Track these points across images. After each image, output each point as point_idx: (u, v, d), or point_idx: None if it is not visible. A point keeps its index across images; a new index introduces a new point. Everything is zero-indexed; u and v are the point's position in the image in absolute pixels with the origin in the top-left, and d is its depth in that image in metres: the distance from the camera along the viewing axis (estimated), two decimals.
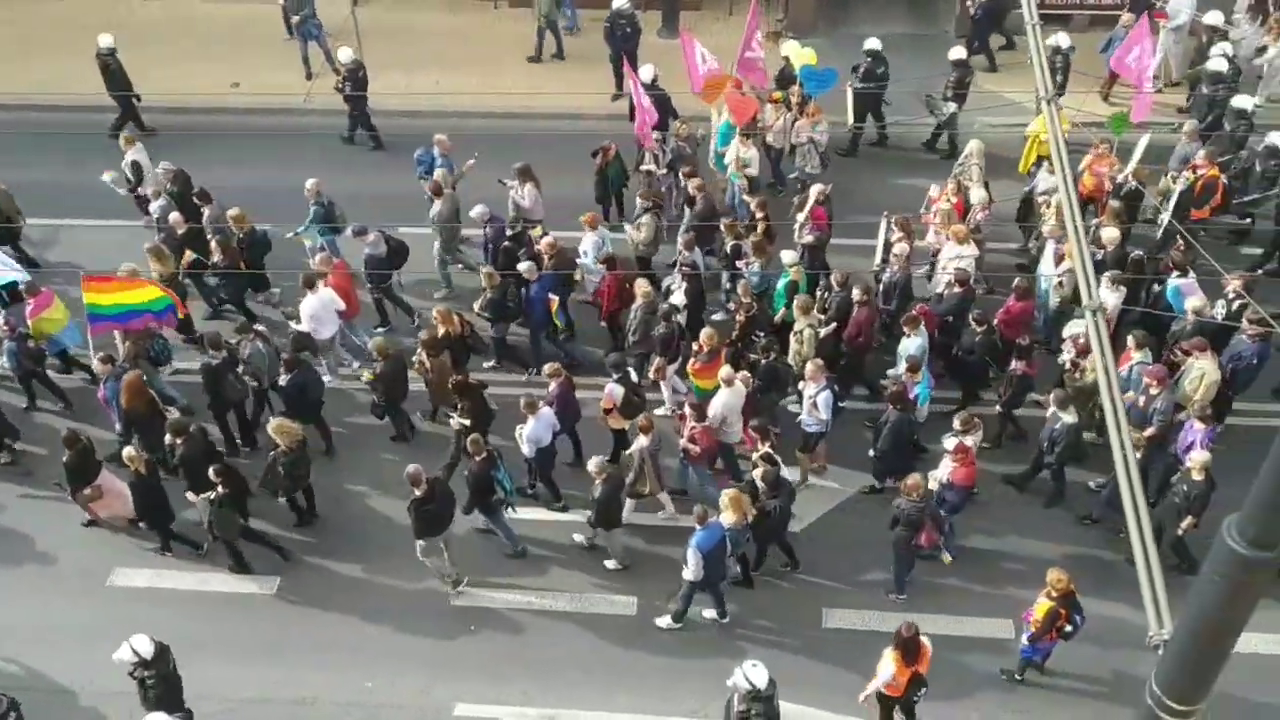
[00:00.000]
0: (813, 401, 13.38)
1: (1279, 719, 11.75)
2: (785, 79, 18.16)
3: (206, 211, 15.95)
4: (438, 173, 16.39)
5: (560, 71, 20.55)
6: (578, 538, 13.60)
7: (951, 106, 18.05)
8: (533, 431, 13.19)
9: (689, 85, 17.36)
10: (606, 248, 15.58)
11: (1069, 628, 11.32)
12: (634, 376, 13.98)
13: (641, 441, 13.01)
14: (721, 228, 15.76)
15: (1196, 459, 12.13)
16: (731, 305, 15.47)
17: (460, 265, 16.68)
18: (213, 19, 22.49)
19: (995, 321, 14.33)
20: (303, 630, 12.97)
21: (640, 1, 20.98)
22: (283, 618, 13.10)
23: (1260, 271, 15.85)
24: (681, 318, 14.78)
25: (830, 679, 12.04)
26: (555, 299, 15.04)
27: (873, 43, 18.15)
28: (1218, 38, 18.51)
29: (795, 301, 14.22)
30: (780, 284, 14.79)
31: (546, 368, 13.87)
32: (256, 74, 20.36)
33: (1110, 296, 13.91)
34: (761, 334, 14.42)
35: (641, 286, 14.67)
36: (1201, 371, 13.19)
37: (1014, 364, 13.82)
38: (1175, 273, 14.48)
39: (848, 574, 13.26)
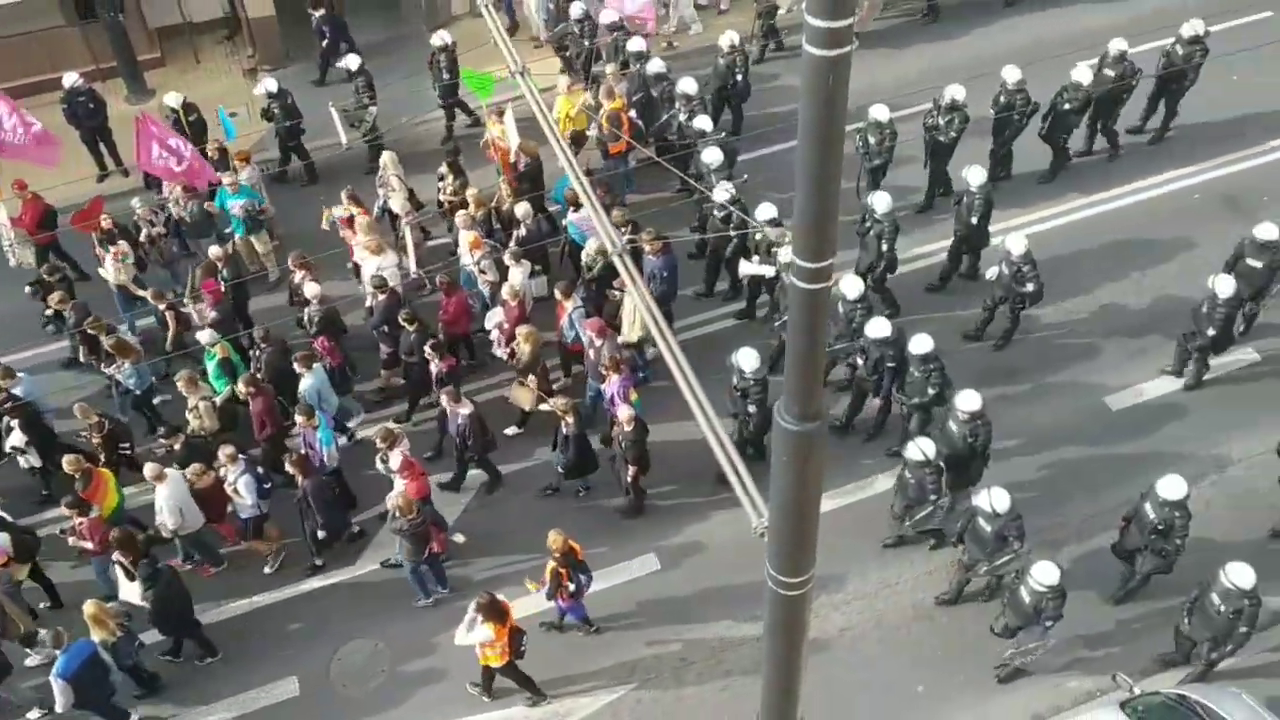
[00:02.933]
0: (234, 487, 12.67)
1: (846, 563, 13.08)
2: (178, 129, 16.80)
3: None
4: None
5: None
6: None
7: (373, 110, 17.51)
8: None
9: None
10: None
11: (572, 586, 11.70)
12: (7, 517, 12.73)
13: None
14: (87, 330, 14.24)
15: (622, 414, 12.66)
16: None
17: None
18: None
19: (440, 322, 14.41)
20: None
21: (95, 74, 19.47)
22: None
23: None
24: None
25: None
26: None
27: (269, 84, 17.39)
28: None
29: (179, 379, 13.52)
30: (210, 365, 13.95)
31: None
32: None
33: (518, 274, 14.41)
34: (128, 446, 13.59)
35: None
36: (633, 301, 13.75)
37: (435, 367, 13.74)
38: (571, 209, 15.12)
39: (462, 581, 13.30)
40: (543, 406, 13.39)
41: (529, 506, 13.86)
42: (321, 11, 19.44)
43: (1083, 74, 16.30)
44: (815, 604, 12.52)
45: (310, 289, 14.37)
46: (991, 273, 14.75)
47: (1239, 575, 10.88)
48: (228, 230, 16.39)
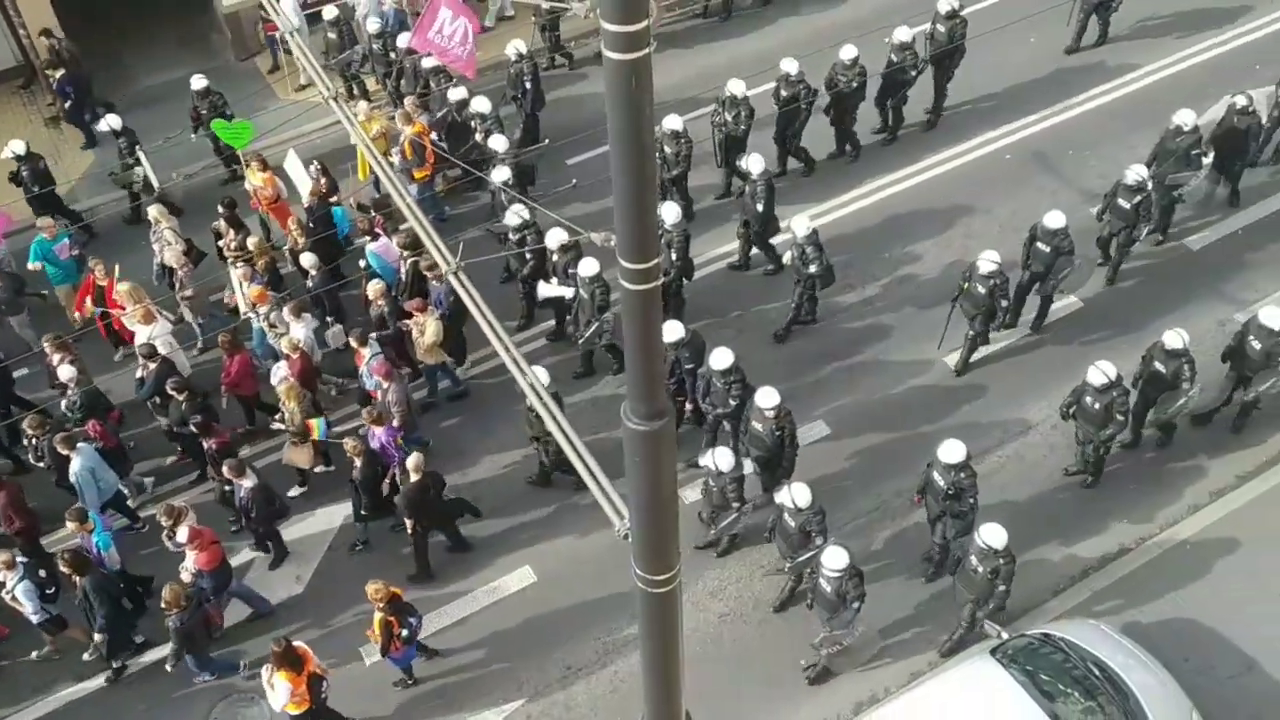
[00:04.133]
0: (12, 595, 11.94)
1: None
2: None
3: None
4: None
5: None
6: None
7: (139, 171, 16.49)
8: None
9: None
10: None
11: (404, 631, 11.44)
12: None
13: None
14: None
15: (411, 462, 12.29)
16: None
17: None
18: None
19: (223, 386, 14.02)
20: None
21: None
22: None
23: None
24: None
25: None
26: None
27: (16, 146, 16.22)
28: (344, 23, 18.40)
29: None
30: None
31: None
32: None
33: (298, 328, 13.88)
34: None
35: None
36: (422, 327, 13.80)
37: (206, 444, 13.09)
38: (368, 238, 14.89)
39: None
40: (347, 445, 12.66)
41: (378, 557, 13.39)
42: (62, 72, 18.42)
43: (849, 52, 16.65)
44: (693, 594, 12.73)
45: (64, 372, 13.43)
46: (786, 257, 15.02)
47: (991, 536, 11.14)
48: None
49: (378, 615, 11.34)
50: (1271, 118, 16.51)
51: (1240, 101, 15.65)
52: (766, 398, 12.54)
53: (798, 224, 14.61)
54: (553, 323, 15.56)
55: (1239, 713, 11.64)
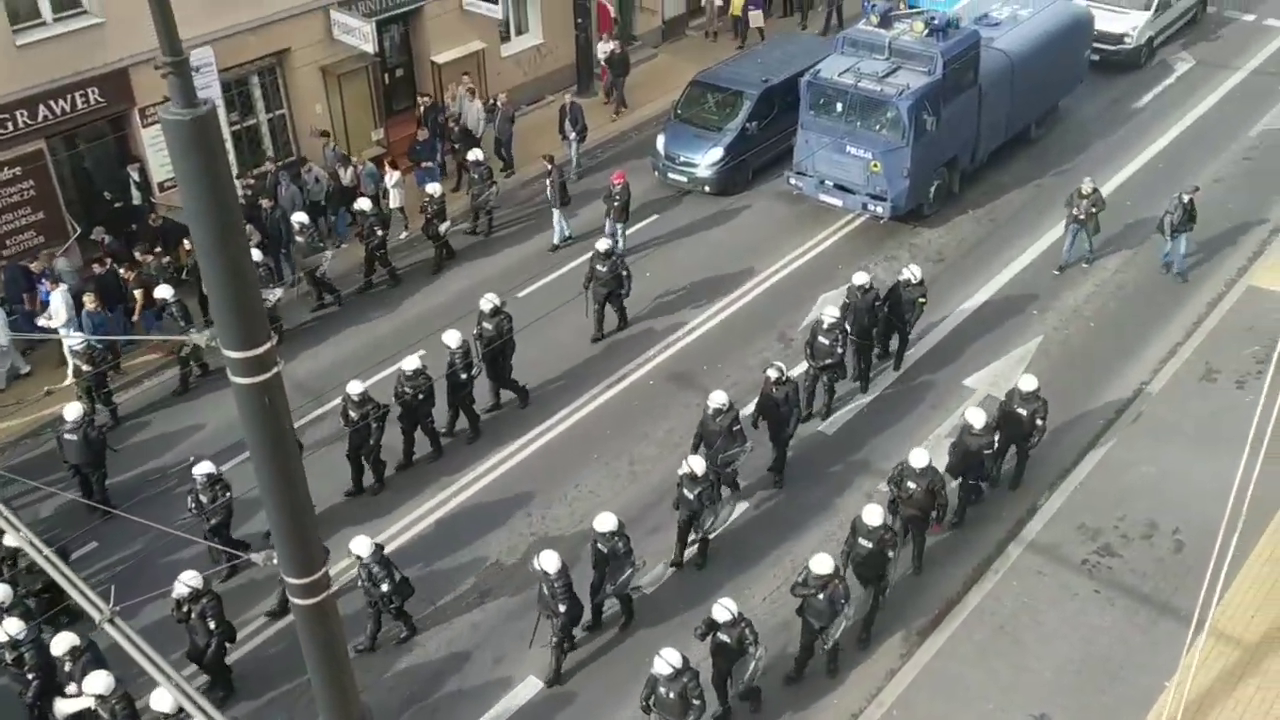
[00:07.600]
0: None
1: None
2: None
3: None
4: None
5: None
6: None
7: None
8: None
9: None
10: None
11: None
12: None
13: None
14: None
15: None
16: None
17: None
18: None
19: None
20: None
21: None
22: None
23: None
24: None
25: None
26: None
27: None
28: None
29: None
30: None
31: None
32: None
33: None
34: None
35: None
36: None
37: None
38: None
39: None
40: None
41: None
42: None
43: (411, 363, 16.81)
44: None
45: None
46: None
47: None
48: None
49: None
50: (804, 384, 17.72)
51: (772, 374, 16.42)
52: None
53: (357, 545, 13.97)
54: None
55: None
